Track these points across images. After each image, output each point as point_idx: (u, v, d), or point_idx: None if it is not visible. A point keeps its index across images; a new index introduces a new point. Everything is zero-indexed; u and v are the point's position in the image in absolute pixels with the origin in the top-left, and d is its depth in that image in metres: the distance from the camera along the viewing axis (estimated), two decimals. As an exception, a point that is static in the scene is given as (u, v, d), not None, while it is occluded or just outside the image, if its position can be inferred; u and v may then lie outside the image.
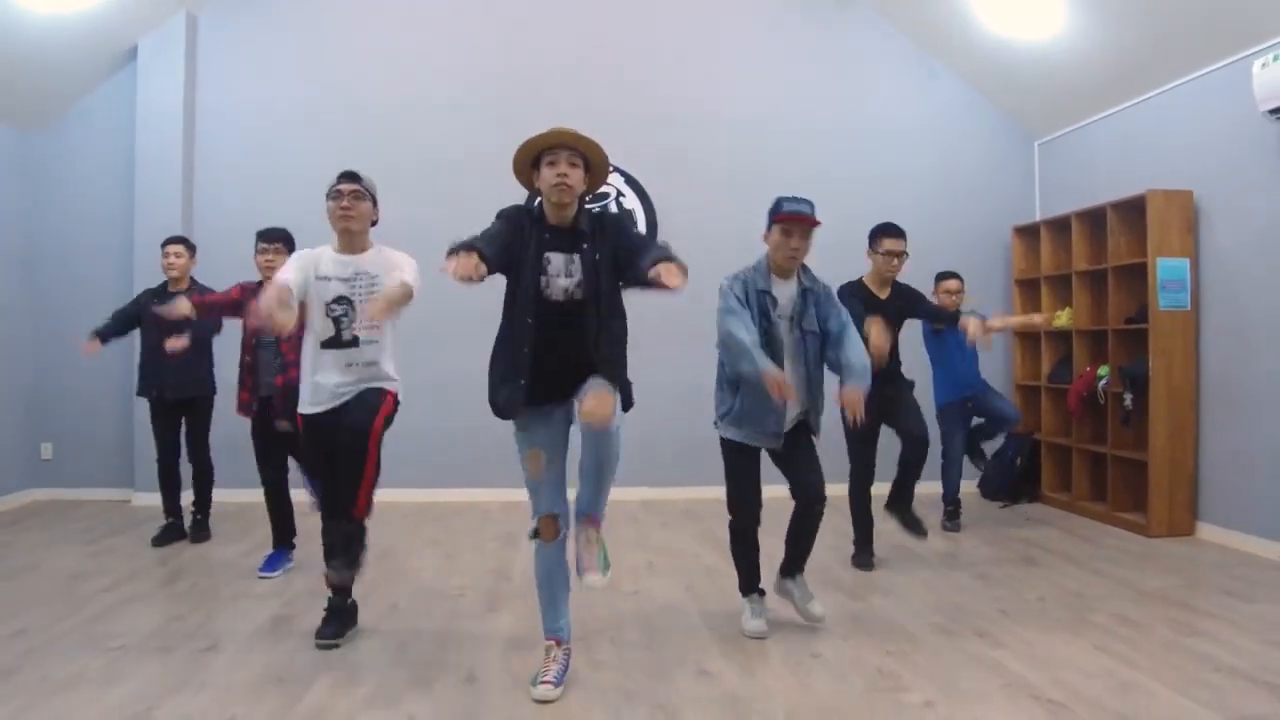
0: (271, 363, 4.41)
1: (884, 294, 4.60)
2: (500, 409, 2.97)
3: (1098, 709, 2.83)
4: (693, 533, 5.49)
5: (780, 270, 3.52)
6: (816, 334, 3.56)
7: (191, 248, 5.27)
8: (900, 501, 4.56)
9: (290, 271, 3.34)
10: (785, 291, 3.53)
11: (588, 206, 3.09)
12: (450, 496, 6.51)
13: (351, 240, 3.45)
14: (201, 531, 5.25)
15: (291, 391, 3.97)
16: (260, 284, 4.33)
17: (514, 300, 2.97)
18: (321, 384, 3.39)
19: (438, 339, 6.09)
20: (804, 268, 3.58)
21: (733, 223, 6.68)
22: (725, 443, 3.58)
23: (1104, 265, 5.85)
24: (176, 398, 5.15)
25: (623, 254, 2.97)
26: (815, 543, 3.68)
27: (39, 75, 6.12)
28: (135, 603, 4.01)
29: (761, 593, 3.69)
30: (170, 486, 5.29)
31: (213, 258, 5.72)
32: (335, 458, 3.35)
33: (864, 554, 4.67)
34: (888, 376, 4.36)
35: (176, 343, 4.60)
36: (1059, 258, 6.40)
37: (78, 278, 6.50)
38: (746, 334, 3.35)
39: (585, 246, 2.97)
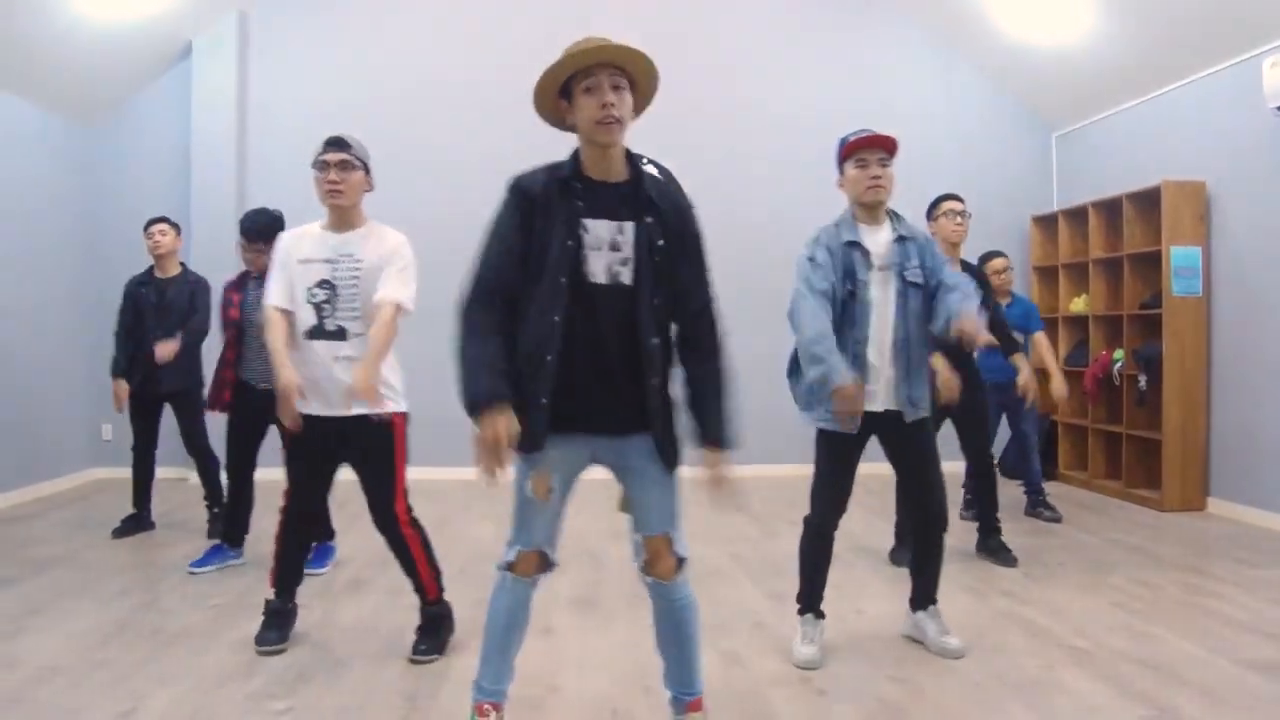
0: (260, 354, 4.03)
1: (955, 268, 3.98)
2: (518, 441, 2.12)
3: (1117, 654, 3.13)
4: (726, 507, 5.77)
5: (867, 212, 3.07)
6: (921, 287, 3.04)
7: (176, 226, 5.12)
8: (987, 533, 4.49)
9: (275, 289, 3.11)
10: (878, 239, 3.05)
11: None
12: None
13: (341, 216, 3.10)
14: (220, 525, 4.70)
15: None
16: (244, 274, 4.29)
17: (534, 290, 2.19)
18: (316, 379, 3.05)
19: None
20: (895, 214, 3.13)
21: (755, 212, 6.95)
22: (818, 431, 3.15)
23: (1119, 253, 6.12)
24: (165, 391, 4.92)
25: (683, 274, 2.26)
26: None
27: (97, 72, 6.42)
28: (220, 570, 4.31)
29: (821, 615, 3.25)
30: (143, 477, 5.11)
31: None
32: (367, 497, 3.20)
33: (904, 548, 4.22)
34: (966, 372, 4.10)
35: (165, 349, 4.59)
36: (1076, 246, 6.67)
37: (135, 265, 6.74)
38: (817, 326, 2.90)
39: (649, 220, 2.21)
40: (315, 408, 3.09)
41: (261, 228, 4.16)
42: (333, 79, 6.98)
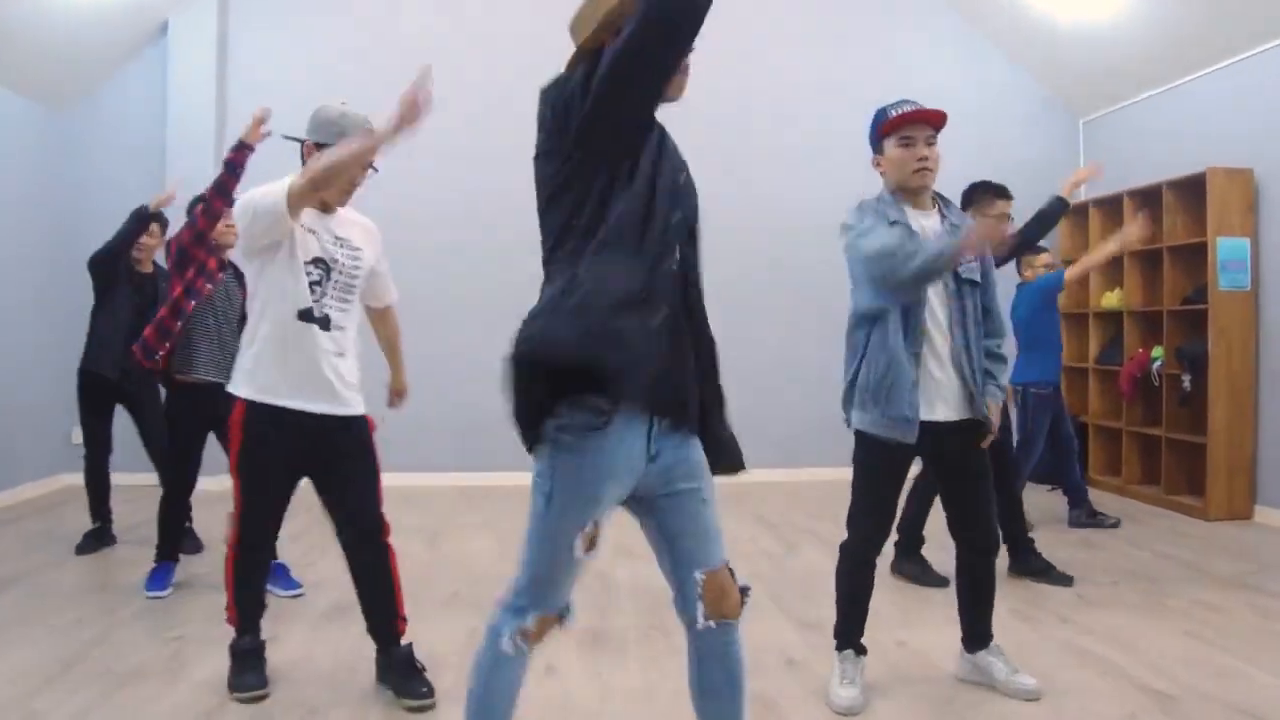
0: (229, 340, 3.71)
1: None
2: (618, 373, 1.66)
3: (1208, 700, 2.74)
4: (741, 516, 5.34)
5: (912, 198, 2.67)
6: (978, 284, 2.68)
7: (165, 226, 4.70)
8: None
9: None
10: (925, 227, 2.63)
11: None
12: (487, 480, 6.39)
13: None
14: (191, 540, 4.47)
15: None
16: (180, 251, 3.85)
17: (630, 219, 1.73)
18: (302, 370, 2.67)
19: (464, 320, 6.25)
20: (943, 199, 2.76)
21: (774, 199, 6.62)
22: (858, 437, 2.76)
23: (1158, 245, 5.73)
24: (113, 378, 4.54)
25: None
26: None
27: (70, 54, 6.01)
28: (183, 590, 3.91)
29: (862, 650, 2.86)
30: (102, 487, 4.73)
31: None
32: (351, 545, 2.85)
33: (909, 561, 4.06)
34: None
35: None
36: (1109, 237, 6.27)
37: (106, 260, 6.41)
38: (888, 241, 2.51)
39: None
40: (293, 401, 2.67)
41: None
42: (318, 59, 6.56)
